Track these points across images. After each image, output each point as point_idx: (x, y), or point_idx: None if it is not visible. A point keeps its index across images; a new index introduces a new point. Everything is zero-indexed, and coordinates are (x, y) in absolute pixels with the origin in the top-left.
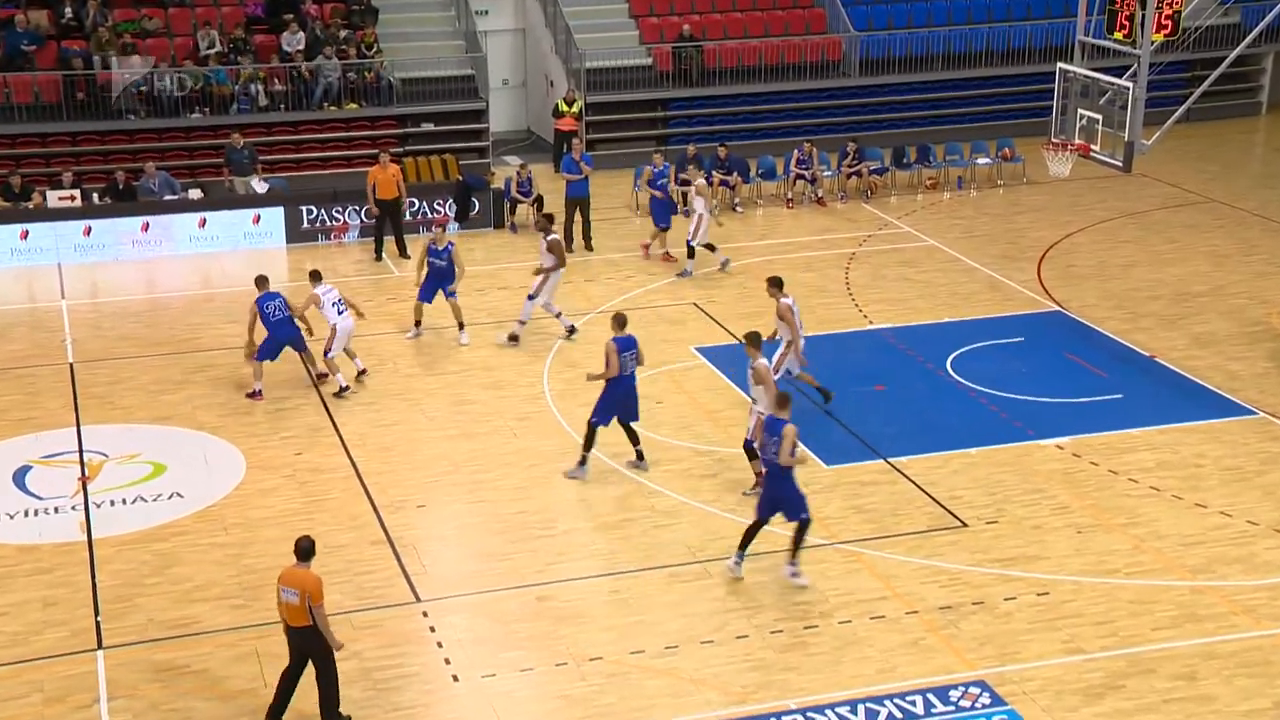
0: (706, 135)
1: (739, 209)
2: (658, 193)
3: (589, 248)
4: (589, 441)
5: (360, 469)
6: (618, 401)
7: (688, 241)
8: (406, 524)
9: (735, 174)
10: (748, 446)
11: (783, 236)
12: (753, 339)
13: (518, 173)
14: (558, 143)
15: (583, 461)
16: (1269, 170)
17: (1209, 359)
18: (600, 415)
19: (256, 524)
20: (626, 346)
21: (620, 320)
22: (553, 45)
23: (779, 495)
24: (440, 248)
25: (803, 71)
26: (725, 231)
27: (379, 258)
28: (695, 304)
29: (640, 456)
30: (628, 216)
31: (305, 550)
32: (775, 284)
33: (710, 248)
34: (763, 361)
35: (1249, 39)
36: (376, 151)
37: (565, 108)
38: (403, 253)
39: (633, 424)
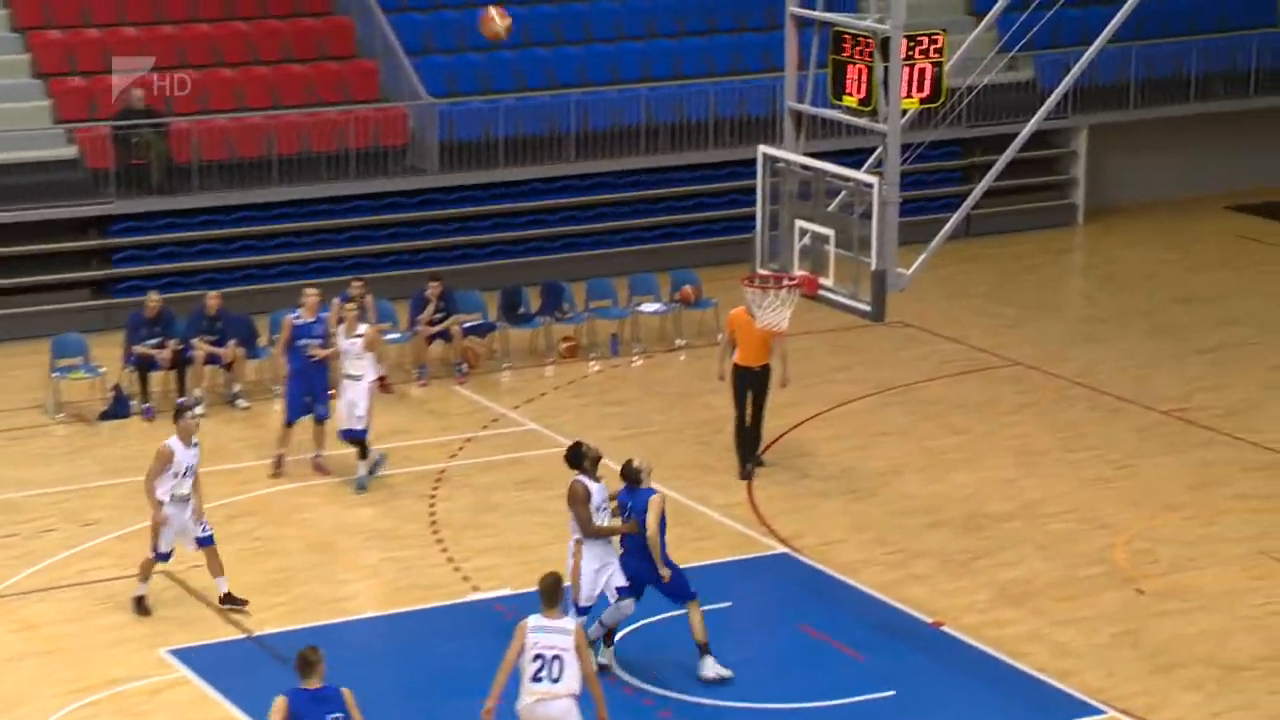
0: (181, 278)
1: (240, 402)
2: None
3: None
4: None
5: None
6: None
7: (348, 433)
8: None
9: (233, 341)
10: None
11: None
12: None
13: None
14: None
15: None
16: (1094, 312)
17: (1025, 622)
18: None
19: None
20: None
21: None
22: None
23: None
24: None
25: (344, 166)
26: (214, 444)
27: None
28: (166, 572)
29: None
30: (42, 423)
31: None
32: None
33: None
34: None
35: (1047, 106)
36: None
37: None
38: None
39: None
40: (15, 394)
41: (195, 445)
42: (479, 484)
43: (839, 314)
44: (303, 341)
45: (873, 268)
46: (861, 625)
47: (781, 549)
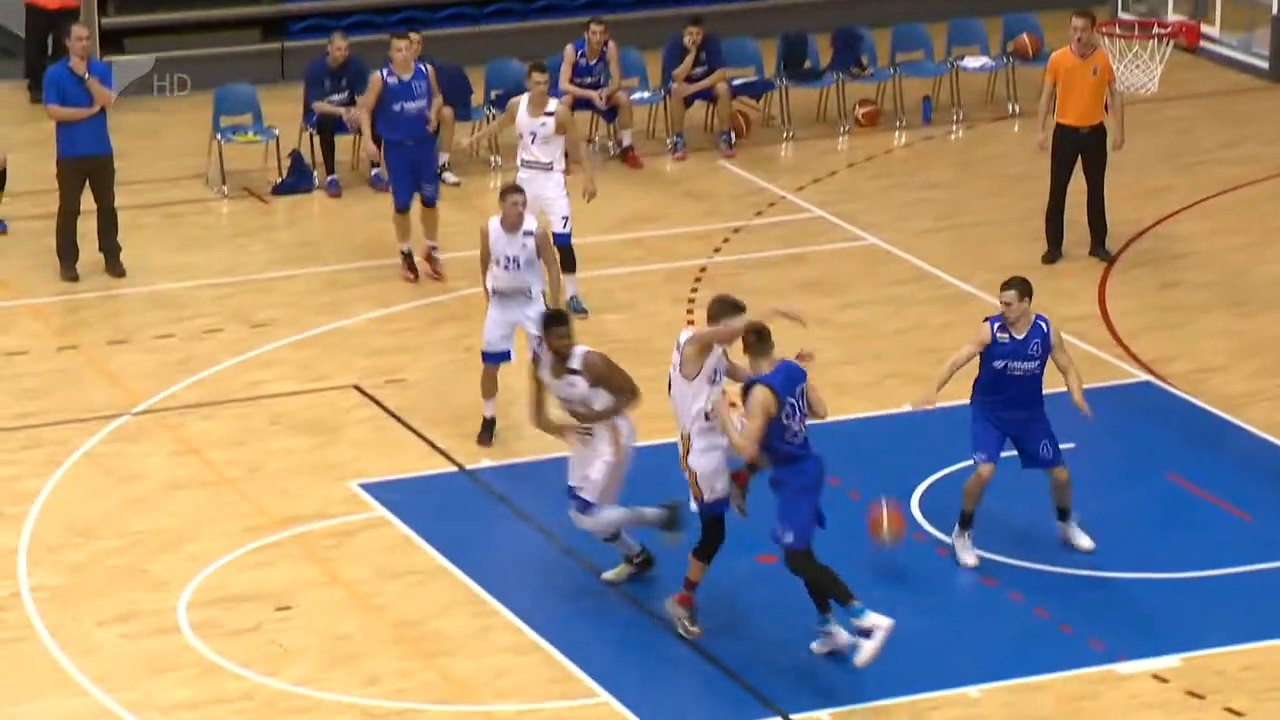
0: (373, 16)
1: (450, 177)
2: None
3: (113, 269)
4: None
5: None
6: None
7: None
8: None
9: None
10: None
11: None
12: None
13: None
14: (37, 36)
15: None
16: None
17: None
18: None
19: None
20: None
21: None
22: None
23: None
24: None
25: None
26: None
27: None
28: (357, 385)
29: None
30: (202, 197)
31: None
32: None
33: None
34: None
35: None
36: None
37: None
38: None
39: None
40: (170, 160)
41: (529, 235)
42: (748, 286)
43: (1226, 71)
44: (398, 106)
45: (1275, 11)
46: (1248, 477)
47: (1144, 376)
